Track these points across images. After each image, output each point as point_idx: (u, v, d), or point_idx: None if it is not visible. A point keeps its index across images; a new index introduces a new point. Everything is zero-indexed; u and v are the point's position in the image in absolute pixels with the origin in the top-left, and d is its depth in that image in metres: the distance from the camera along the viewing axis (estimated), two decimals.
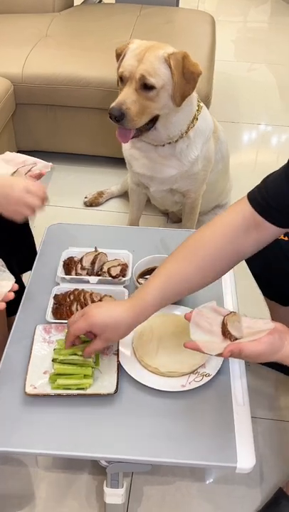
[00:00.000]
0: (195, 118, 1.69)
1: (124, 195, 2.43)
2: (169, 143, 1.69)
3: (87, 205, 2.44)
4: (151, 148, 1.70)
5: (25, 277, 1.63)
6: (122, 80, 1.57)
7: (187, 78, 1.55)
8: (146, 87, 1.53)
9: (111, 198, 2.49)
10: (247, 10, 4.99)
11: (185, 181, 1.79)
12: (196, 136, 1.72)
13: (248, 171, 2.66)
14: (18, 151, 2.59)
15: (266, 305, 1.58)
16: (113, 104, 1.54)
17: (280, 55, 4.01)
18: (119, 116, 1.53)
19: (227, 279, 1.40)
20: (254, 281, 1.51)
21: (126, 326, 1.04)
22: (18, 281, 1.61)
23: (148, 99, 1.55)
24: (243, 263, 1.60)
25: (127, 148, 1.80)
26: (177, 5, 3.16)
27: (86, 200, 2.45)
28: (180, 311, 1.27)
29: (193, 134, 1.71)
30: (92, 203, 2.44)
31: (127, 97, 1.53)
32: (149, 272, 1.35)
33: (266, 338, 0.91)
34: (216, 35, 2.86)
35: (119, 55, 1.63)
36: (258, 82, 3.61)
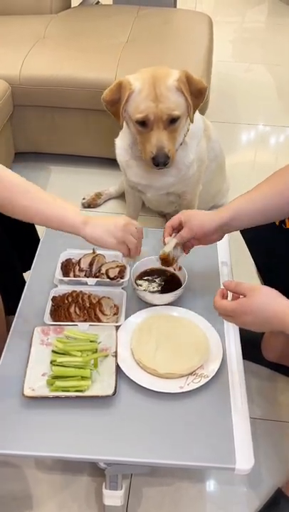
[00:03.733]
0: (188, 124, 1.70)
1: (122, 196, 2.43)
2: None
3: (85, 207, 2.44)
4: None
5: (26, 277, 1.64)
6: (143, 123, 1.55)
7: (196, 95, 1.57)
8: (172, 121, 1.55)
9: (109, 199, 2.49)
10: (244, 10, 5.00)
11: (181, 184, 1.79)
12: (191, 140, 1.72)
13: (246, 171, 2.66)
14: (16, 153, 2.61)
15: None
16: (155, 152, 1.54)
17: (278, 55, 4.01)
18: (166, 161, 1.55)
19: (224, 271, 1.40)
20: (252, 272, 1.51)
21: (210, 220, 1.22)
22: (20, 278, 1.62)
23: (174, 131, 1.58)
24: (242, 255, 1.62)
25: (125, 159, 1.80)
26: (175, 6, 3.17)
27: (84, 201, 2.45)
28: (178, 312, 1.27)
29: (189, 138, 1.71)
30: (90, 204, 2.44)
31: (162, 138, 1.54)
32: (148, 273, 1.35)
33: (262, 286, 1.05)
34: (214, 36, 2.86)
35: (113, 100, 1.58)
36: (256, 83, 3.61)
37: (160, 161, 1.55)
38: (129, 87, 1.53)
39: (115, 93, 1.57)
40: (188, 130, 1.69)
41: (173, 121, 1.55)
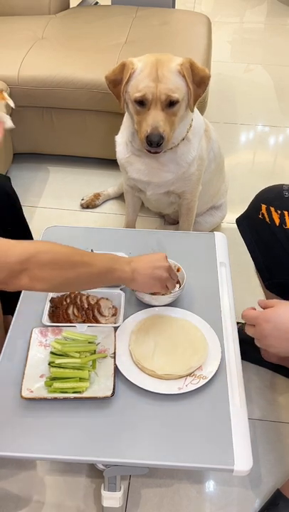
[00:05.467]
0: (191, 119, 1.70)
1: (120, 196, 2.43)
2: (171, 148, 1.68)
3: (84, 207, 2.44)
4: (150, 154, 1.70)
5: None
6: (141, 103, 1.55)
7: (198, 83, 1.57)
8: (170, 103, 1.54)
9: (108, 200, 2.49)
10: (243, 11, 5.00)
11: (181, 183, 1.79)
12: (194, 137, 1.72)
13: (245, 171, 2.66)
14: (15, 154, 2.61)
15: (263, 297, 1.58)
16: (150, 131, 1.52)
17: (277, 55, 4.01)
18: (160, 141, 1.53)
19: (223, 272, 1.40)
20: (251, 273, 1.51)
21: None
22: None
23: (173, 115, 1.56)
24: (241, 255, 1.61)
25: (125, 156, 1.80)
26: (173, 6, 3.16)
27: (83, 202, 2.45)
28: (176, 313, 1.27)
29: (191, 135, 1.71)
30: (88, 205, 2.44)
31: (158, 119, 1.53)
32: None
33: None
34: (213, 36, 2.86)
35: (116, 81, 1.59)
36: (255, 83, 3.61)
37: (153, 140, 1.53)
38: (131, 67, 1.54)
39: (118, 74, 1.58)
40: (190, 126, 1.69)
41: (172, 104, 1.54)
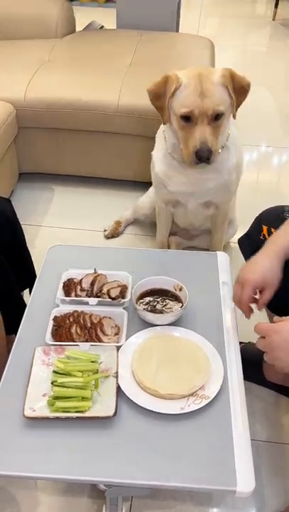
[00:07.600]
0: (229, 127, 1.73)
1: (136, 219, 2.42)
2: None
3: (108, 238, 2.37)
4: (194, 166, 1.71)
5: (25, 297, 1.65)
6: (187, 118, 1.57)
7: (239, 91, 1.61)
8: (216, 117, 1.57)
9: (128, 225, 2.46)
10: (247, 34, 5.08)
11: (220, 192, 1.80)
12: (232, 144, 1.75)
13: (249, 191, 2.68)
14: (21, 173, 2.64)
15: (266, 317, 1.59)
16: (199, 146, 1.55)
17: (280, 78, 4.07)
18: (209, 156, 1.56)
19: (225, 291, 1.40)
20: None
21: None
22: (19, 298, 1.63)
23: (217, 128, 1.59)
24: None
25: (163, 170, 1.80)
26: (177, 30, 3.22)
27: (106, 233, 2.38)
28: (179, 332, 1.27)
29: (230, 142, 1.73)
30: (113, 235, 2.38)
31: (206, 134, 1.56)
32: (149, 293, 1.35)
33: None
34: (216, 59, 2.91)
35: (158, 94, 1.61)
36: (258, 105, 3.65)
37: (203, 155, 1.55)
38: (177, 81, 1.56)
39: (161, 87, 1.60)
40: (229, 135, 1.71)
41: (217, 117, 1.57)
